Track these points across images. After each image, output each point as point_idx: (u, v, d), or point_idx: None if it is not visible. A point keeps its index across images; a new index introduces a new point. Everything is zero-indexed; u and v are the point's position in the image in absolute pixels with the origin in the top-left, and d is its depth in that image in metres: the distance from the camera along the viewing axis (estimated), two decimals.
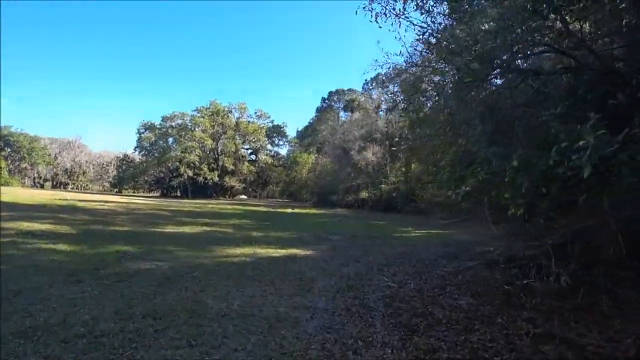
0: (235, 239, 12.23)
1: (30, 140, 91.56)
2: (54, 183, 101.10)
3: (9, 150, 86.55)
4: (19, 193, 32.25)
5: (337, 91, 79.84)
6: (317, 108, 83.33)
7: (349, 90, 77.26)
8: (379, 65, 11.86)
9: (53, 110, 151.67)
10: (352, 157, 47.66)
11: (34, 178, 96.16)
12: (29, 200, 23.42)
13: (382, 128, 46.24)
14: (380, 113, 50.14)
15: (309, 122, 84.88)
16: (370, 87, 66.31)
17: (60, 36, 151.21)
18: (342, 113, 76.99)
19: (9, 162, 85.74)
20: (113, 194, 65.60)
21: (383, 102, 52.05)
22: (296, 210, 34.56)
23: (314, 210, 35.78)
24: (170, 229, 14.41)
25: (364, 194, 46.93)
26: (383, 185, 44.74)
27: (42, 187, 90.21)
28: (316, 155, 74.45)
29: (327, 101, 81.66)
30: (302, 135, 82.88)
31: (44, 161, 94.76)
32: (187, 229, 14.57)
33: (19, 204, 21.07)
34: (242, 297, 5.71)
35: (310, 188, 65.45)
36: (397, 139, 44.09)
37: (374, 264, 8.74)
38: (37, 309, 4.87)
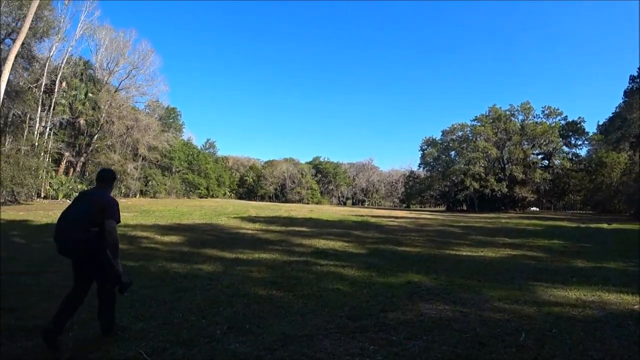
0: (558, 271, 9.05)
1: (334, 167, 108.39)
2: (354, 200, 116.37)
3: (319, 175, 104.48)
4: (325, 210, 36.75)
5: None
6: (625, 91, 65.53)
7: None
8: None
9: (349, 139, 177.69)
10: None
11: (339, 197, 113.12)
12: (330, 217, 25.71)
13: None
14: None
15: (614, 112, 68.18)
16: None
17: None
18: None
19: (320, 185, 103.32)
20: (402, 209, 68.87)
21: None
22: (614, 226, 26.79)
23: None
24: (466, 251, 12.22)
25: None
26: None
27: (344, 204, 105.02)
28: (630, 152, 59.33)
29: (638, 80, 63.60)
30: (606, 129, 67.05)
31: (345, 183, 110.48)
32: (487, 252, 12.06)
33: (321, 220, 23.19)
34: None
35: (628, 195, 52.04)
36: None
37: None
38: None
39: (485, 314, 5.43)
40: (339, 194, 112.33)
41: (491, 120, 65.38)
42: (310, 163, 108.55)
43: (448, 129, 68.43)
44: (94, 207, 3.97)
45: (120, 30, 47.80)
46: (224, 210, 27.33)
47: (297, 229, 17.39)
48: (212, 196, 71.63)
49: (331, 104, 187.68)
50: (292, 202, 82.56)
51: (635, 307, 5.89)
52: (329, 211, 35.23)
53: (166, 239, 12.77)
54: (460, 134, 67.26)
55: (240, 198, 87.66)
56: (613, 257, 11.43)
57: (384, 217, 30.51)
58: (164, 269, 7.98)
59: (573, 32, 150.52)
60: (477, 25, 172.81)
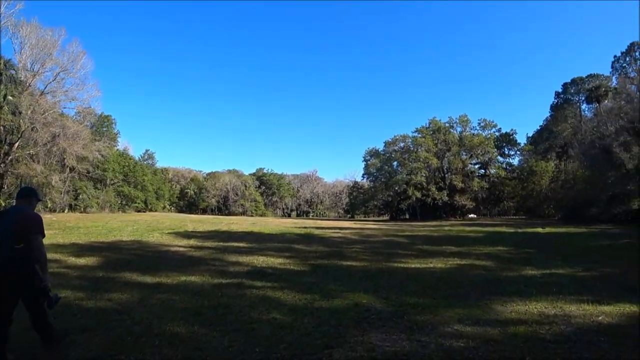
0: (511, 281, 8.60)
1: (278, 178, 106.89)
2: (298, 212, 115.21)
3: (263, 187, 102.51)
4: (268, 223, 35.41)
5: (573, 81, 66.14)
6: (551, 105, 70.46)
7: (590, 76, 63.20)
8: None
9: (293, 150, 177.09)
10: (618, 156, 37.17)
11: (283, 209, 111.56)
12: (273, 230, 24.50)
13: None
14: None
15: (541, 124, 72.94)
16: (624, 64, 52.69)
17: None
18: (584, 106, 63.49)
19: (264, 197, 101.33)
20: (346, 220, 68.75)
21: None
22: (548, 230, 27.89)
23: (572, 229, 28.30)
24: (415, 263, 11.57)
25: (635, 204, 35.99)
26: None
27: (289, 216, 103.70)
28: (556, 161, 63.31)
29: (562, 95, 68.51)
30: (535, 140, 71.58)
31: (289, 194, 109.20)
32: (436, 263, 11.47)
33: (263, 234, 21.91)
34: None
35: (556, 201, 55.26)
36: None
37: None
38: None
39: (447, 342, 4.64)
40: (283, 206, 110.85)
41: (431, 132, 67.12)
42: (253, 174, 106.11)
43: (390, 140, 69.44)
44: (18, 225, 3.93)
45: (48, 29, 43.81)
46: (159, 225, 25.32)
47: (235, 244, 16.05)
48: (150, 210, 67.74)
49: (275, 114, 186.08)
50: (235, 214, 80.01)
51: (600, 318, 5.67)
52: (272, 224, 33.98)
53: (81, 261, 11.06)
54: (402, 144, 68.42)
55: (180, 211, 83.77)
56: (558, 263, 11.48)
57: (328, 228, 29.76)
58: (65, 302, 6.48)
59: (507, 49, 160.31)
60: (419, 41, 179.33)
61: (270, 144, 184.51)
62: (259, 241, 17.62)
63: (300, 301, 6.63)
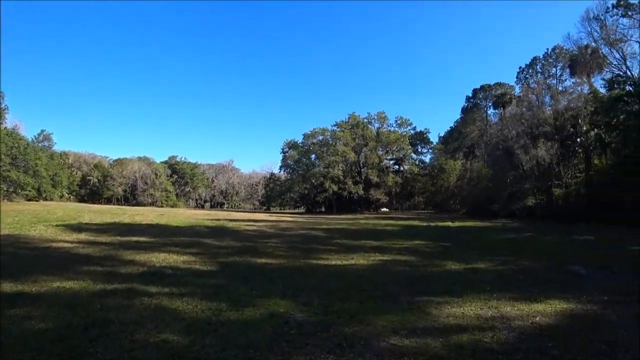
0: (437, 278, 8.10)
1: (192, 167, 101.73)
2: (212, 203, 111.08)
3: (175, 176, 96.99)
4: (178, 214, 32.94)
5: (482, 87, 71.32)
6: (462, 108, 75.48)
7: (497, 84, 68.53)
8: None
9: (208, 137, 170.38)
10: (517, 158, 40.05)
11: (196, 199, 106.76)
12: (182, 222, 22.56)
13: (549, 120, 37.91)
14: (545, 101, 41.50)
15: (452, 125, 77.69)
16: (527, 76, 57.31)
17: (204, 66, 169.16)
18: (490, 111, 68.60)
19: (176, 187, 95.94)
20: (262, 212, 67.32)
21: (545, 90, 43.39)
22: (457, 224, 29.23)
23: (478, 223, 29.99)
24: (335, 259, 10.73)
25: (530, 201, 39.23)
26: (557, 190, 36.65)
27: (202, 207, 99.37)
28: (464, 160, 67.45)
29: (472, 100, 73.61)
30: (446, 140, 76.07)
31: (204, 184, 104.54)
32: (358, 260, 10.74)
33: (170, 227, 19.97)
34: None
35: (462, 197, 58.88)
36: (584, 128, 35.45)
37: None
38: None
39: None
40: (197, 197, 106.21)
41: (350, 127, 67.81)
42: (165, 163, 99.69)
43: (309, 132, 69.02)
44: None
45: None
46: (48, 216, 22.04)
47: (134, 239, 14.05)
48: (45, 199, 60.57)
49: (191, 99, 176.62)
50: (144, 205, 74.57)
51: (537, 319, 5.41)
52: (183, 215, 31.66)
53: None
54: (320, 138, 68.33)
55: (81, 201, 76.35)
56: (476, 257, 11.55)
57: (243, 220, 28.31)
58: None
59: (426, 52, 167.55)
60: (343, 38, 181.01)
61: (185, 131, 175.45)
62: (164, 235, 15.78)
63: (203, 312, 5.35)
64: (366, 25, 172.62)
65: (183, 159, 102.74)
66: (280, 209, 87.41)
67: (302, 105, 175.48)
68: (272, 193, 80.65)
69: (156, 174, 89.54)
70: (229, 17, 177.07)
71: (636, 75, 29.47)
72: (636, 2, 29.40)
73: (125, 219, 23.66)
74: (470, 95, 72.07)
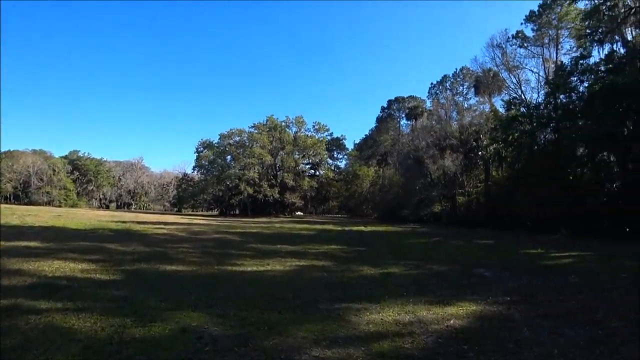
0: (354, 284, 8.15)
1: (96, 164, 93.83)
2: (119, 204, 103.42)
3: (77, 173, 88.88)
4: (79, 215, 30.17)
5: (397, 99, 75.29)
6: (377, 118, 78.97)
7: (410, 97, 72.74)
8: None
9: (116, 133, 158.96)
10: (426, 167, 42.73)
11: (100, 199, 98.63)
12: (82, 225, 20.60)
13: (455, 133, 41.14)
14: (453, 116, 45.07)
15: (367, 133, 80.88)
16: (437, 91, 61.36)
17: (115, 56, 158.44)
18: (403, 121, 72.49)
19: (77, 185, 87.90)
20: (173, 214, 64.28)
21: (452, 105, 47.14)
22: (370, 228, 30.28)
23: (389, 228, 31.38)
24: (251, 265, 10.35)
25: (436, 207, 42.04)
26: (460, 198, 39.66)
27: (107, 207, 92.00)
28: (376, 167, 70.25)
29: (387, 110, 77.32)
30: (361, 147, 78.99)
31: (109, 183, 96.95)
32: (275, 265, 10.45)
33: (67, 229, 18.11)
34: None
35: (375, 202, 61.27)
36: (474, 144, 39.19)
37: None
38: None
39: None
40: (101, 196, 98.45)
41: (268, 129, 67.34)
42: (65, 158, 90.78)
43: (226, 133, 67.27)
44: None
45: None
46: None
47: (23, 244, 12.38)
48: None
49: (97, 89, 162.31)
50: (38, 204, 67.34)
51: (451, 322, 5.56)
52: (84, 216, 29.10)
53: None
54: (237, 139, 66.94)
55: None
56: (390, 261, 11.89)
57: (152, 223, 26.70)
58: None
59: (346, 61, 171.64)
60: (262, 40, 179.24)
61: (89, 123, 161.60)
62: (60, 239, 14.13)
63: (103, 331, 4.72)
64: (287, 29, 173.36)
65: (86, 154, 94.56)
66: (193, 211, 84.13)
67: (219, 105, 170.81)
68: (184, 194, 77.32)
69: (54, 170, 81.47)
70: (143, 8, 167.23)
71: (529, 99, 33.07)
72: (532, 35, 33.48)
73: (14, 220, 21.13)
74: (386, 105, 75.42)
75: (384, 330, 5.14)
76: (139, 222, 26.23)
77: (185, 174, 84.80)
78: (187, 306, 5.98)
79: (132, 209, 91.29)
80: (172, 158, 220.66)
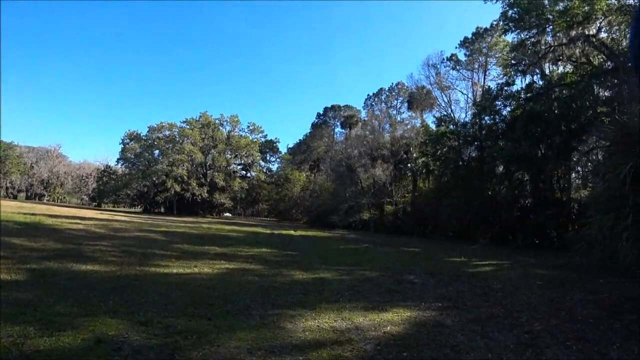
0: (288, 289, 7.89)
1: (4, 148, 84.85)
2: (29, 194, 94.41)
3: None
4: None
5: (333, 107, 76.77)
6: (312, 124, 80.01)
7: (346, 106, 74.45)
8: None
9: (31, 115, 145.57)
10: (358, 175, 43.79)
11: (7, 188, 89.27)
12: None
13: (387, 145, 42.70)
14: (386, 128, 46.87)
15: (301, 138, 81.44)
16: (373, 103, 63.32)
17: (42, 36, 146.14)
18: (338, 129, 73.91)
19: None
20: (92, 208, 60.05)
21: (386, 118, 49.04)
22: (300, 233, 30.27)
23: (319, 233, 31.60)
24: (177, 267, 9.73)
25: (365, 215, 43.05)
26: (388, 206, 40.95)
27: (15, 197, 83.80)
28: (308, 173, 70.67)
29: (322, 117, 78.50)
30: (294, 151, 79.31)
31: (18, 170, 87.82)
32: (202, 267, 9.92)
33: None
34: None
35: (305, 207, 61.41)
36: (404, 155, 41.11)
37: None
38: None
39: None
40: (8, 184, 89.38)
41: (200, 126, 65.12)
42: None
43: (155, 126, 64.01)
44: None
45: None
46: None
47: None
48: None
49: (11, 65, 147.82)
50: None
51: (388, 328, 5.52)
52: None
53: None
54: (167, 133, 64.01)
55: None
56: (322, 266, 11.82)
57: (67, 217, 24.63)
58: None
59: (281, 62, 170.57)
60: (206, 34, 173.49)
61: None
62: None
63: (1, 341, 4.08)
64: (227, 25, 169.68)
65: None
66: (114, 207, 79.02)
67: (150, 96, 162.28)
68: (105, 188, 72.33)
69: None
70: None
71: (457, 117, 35.41)
72: (464, 59, 36.41)
73: None
74: (322, 112, 76.39)
75: (321, 338, 4.98)
76: (51, 216, 24.09)
77: (107, 166, 79.57)
78: (104, 312, 5.40)
79: (45, 201, 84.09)
80: (94, 148, 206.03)
